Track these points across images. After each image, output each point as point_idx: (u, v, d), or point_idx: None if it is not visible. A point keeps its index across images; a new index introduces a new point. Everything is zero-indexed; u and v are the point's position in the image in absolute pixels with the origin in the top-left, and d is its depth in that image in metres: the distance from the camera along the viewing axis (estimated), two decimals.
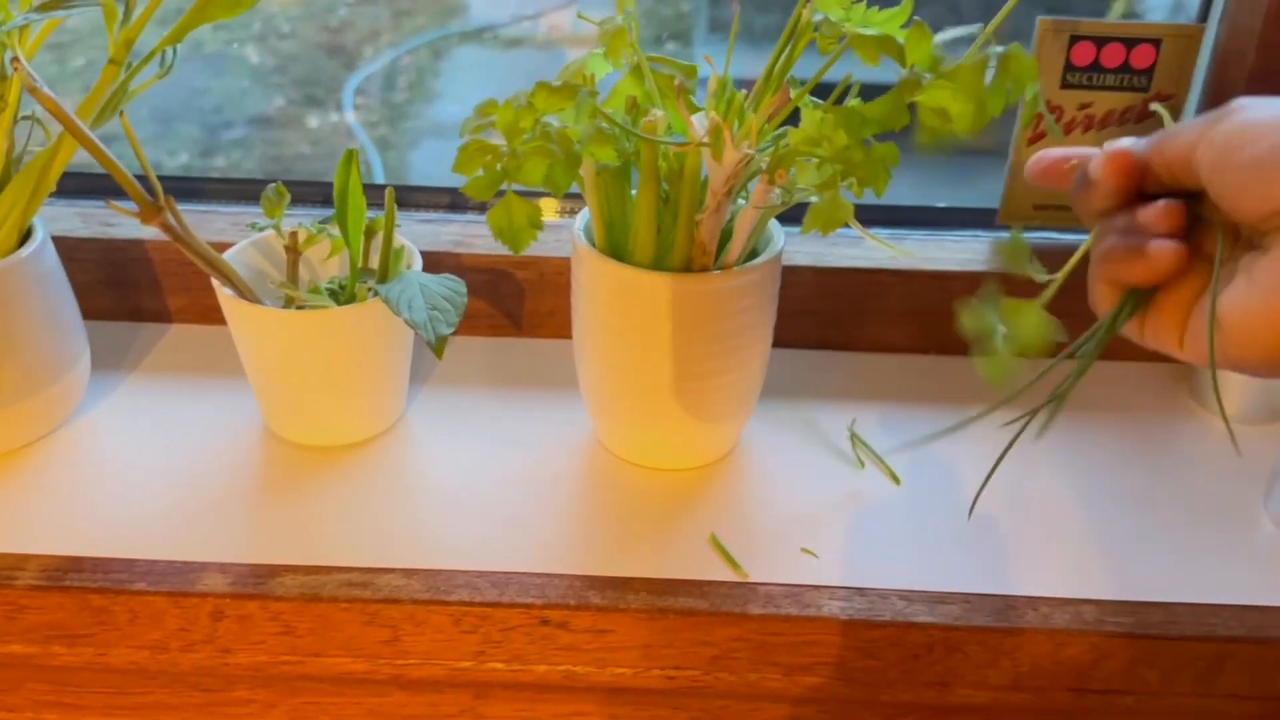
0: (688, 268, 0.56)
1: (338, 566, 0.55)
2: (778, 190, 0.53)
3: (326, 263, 0.64)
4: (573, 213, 0.76)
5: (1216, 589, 0.55)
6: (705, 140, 0.51)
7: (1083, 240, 0.73)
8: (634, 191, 0.57)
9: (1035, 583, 0.55)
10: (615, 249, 0.58)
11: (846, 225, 0.52)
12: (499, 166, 0.45)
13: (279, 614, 0.53)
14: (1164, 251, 0.38)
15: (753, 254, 0.58)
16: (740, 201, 0.57)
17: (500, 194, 0.49)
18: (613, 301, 0.57)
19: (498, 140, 0.46)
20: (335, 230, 0.62)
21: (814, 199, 0.53)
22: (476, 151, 0.45)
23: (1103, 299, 0.41)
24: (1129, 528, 0.59)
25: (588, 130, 0.48)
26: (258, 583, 0.54)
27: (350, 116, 1.40)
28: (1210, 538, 0.58)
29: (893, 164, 0.51)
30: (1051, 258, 0.72)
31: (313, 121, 1.41)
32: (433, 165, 1.37)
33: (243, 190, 0.78)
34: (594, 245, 0.58)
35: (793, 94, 0.51)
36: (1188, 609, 0.54)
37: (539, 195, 0.59)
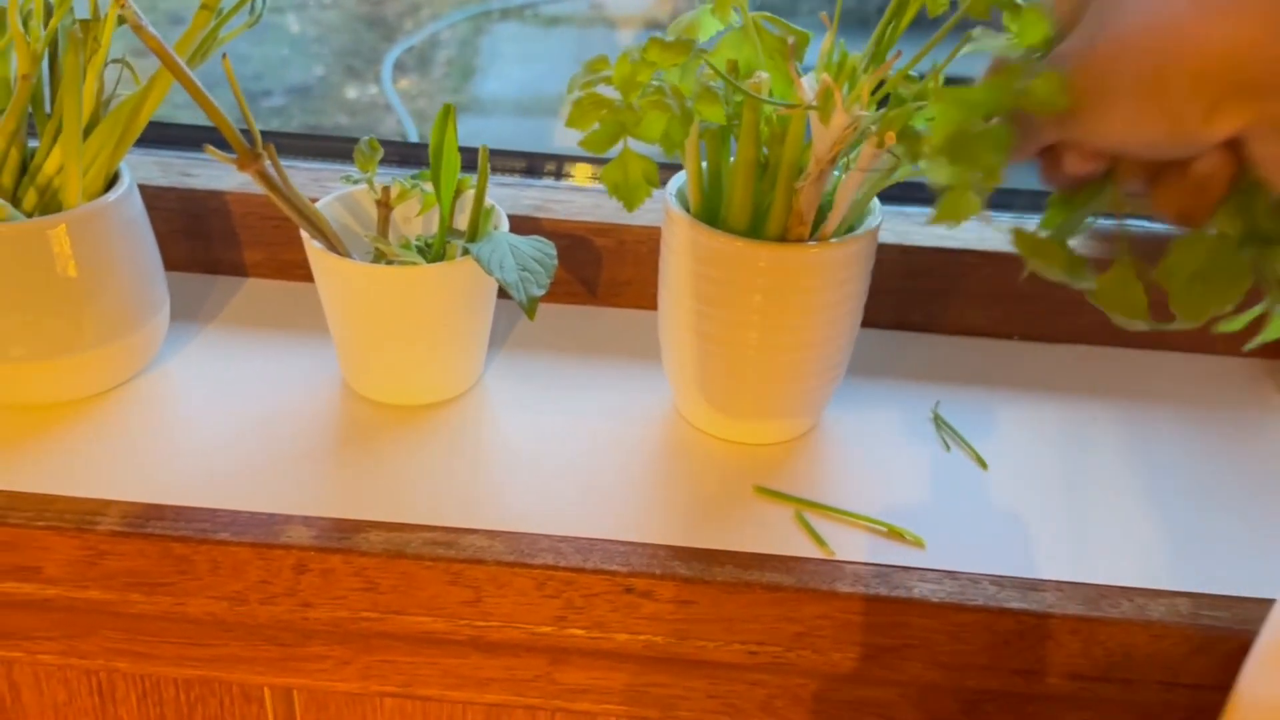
0: (783, 237, 0.55)
1: (422, 525, 0.54)
2: (886, 154, 0.52)
3: (411, 221, 0.64)
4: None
5: None
6: (814, 103, 0.50)
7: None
8: (729, 155, 0.56)
9: (1127, 572, 0.54)
10: (709, 215, 0.57)
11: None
12: (616, 121, 0.44)
13: (363, 569, 0.53)
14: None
15: (846, 228, 0.57)
16: (836, 173, 0.56)
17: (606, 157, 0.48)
18: (705, 269, 0.56)
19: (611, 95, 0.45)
20: (428, 186, 0.61)
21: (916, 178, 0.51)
22: (591, 105, 0.44)
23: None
24: (1220, 520, 0.58)
25: (697, 88, 0.47)
26: (342, 537, 0.53)
27: (389, 89, 1.40)
28: None
29: (1009, 143, 0.49)
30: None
31: (351, 93, 1.41)
32: (471, 141, 1.37)
33: (317, 147, 0.77)
34: (687, 211, 0.57)
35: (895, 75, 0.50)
36: None
37: None
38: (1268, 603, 0.53)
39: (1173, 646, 0.52)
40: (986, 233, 0.71)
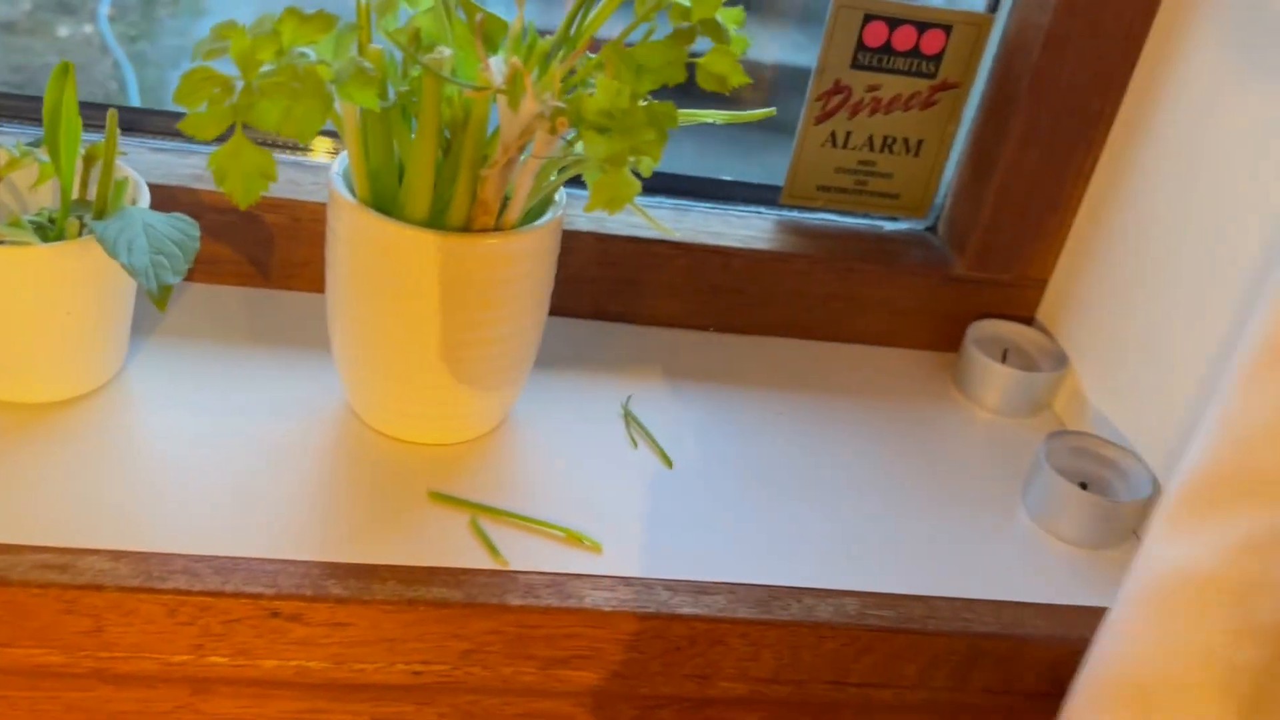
0: (466, 227, 0.51)
1: (31, 545, 0.47)
2: (561, 141, 0.49)
3: (36, 191, 0.55)
4: (336, 153, 0.69)
5: (974, 583, 0.55)
6: (502, 87, 0.47)
7: (863, 223, 0.73)
8: (408, 137, 0.52)
9: (799, 571, 0.54)
10: (379, 201, 0.52)
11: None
12: (227, 103, 0.38)
13: None
14: None
15: (530, 215, 0.54)
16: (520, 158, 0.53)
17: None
18: (376, 260, 0.51)
19: (232, 70, 0.39)
20: (45, 155, 0.53)
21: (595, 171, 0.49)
22: (202, 80, 0.38)
23: None
24: (891, 516, 0.59)
25: (346, 69, 0.42)
26: None
27: (105, 27, 1.28)
28: (970, 530, 0.59)
29: (670, 125, 0.48)
30: (832, 240, 0.71)
31: (62, 30, 1.28)
32: None
33: None
34: (354, 195, 0.52)
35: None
36: (946, 604, 0.54)
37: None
38: (929, 600, 0.54)
39: (841, 647, 0.52)
40: (682, 222, 0.69)
